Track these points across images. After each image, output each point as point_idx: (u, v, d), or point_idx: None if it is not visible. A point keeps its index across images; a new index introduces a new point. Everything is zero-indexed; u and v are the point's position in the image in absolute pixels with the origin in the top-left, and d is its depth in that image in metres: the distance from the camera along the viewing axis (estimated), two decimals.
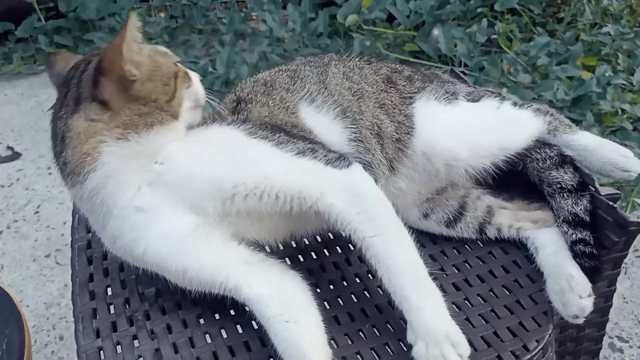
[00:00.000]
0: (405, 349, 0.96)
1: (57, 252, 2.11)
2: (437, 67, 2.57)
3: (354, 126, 1.13)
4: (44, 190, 2.40)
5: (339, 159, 1.01)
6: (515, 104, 1.24)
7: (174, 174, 0.97)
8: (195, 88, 1.06)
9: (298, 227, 1.10)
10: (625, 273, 1.88)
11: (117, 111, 0.95)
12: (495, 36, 2.69)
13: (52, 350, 1.77)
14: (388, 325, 1.02)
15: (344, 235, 0.99)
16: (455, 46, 2.62)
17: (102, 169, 0.94)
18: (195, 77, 1.07)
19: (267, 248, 1.07)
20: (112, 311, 1.07)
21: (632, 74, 2.45)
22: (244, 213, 0.98)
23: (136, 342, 1.01)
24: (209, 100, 1.08)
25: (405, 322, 0.97)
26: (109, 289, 1.11)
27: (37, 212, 2.30)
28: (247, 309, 1.02)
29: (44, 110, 2.87)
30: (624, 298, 1.80)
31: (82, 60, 1.02)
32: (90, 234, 1.22)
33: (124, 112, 0.95)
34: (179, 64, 1.05)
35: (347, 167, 1.01)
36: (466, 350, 0.91)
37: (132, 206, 0.96)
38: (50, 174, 2.47)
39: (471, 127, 1.18)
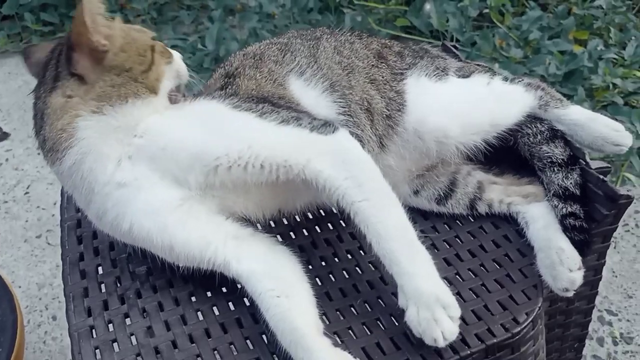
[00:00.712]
0: (397, 324, 0.97)
1: (48, 233, 2.10)
2: (428, 42, 2.55)
3: (342, 100, 1.12)
4: (34, 170, 2.38)
5: (324, 125, 1.00)
6: (506, 79, 1.23)
7: (153, 146, 0.96)
8: (176, 64, 1.05)
9: (286, 201, 1.09)
10: (614, 247, 1.89)
11: (92, 84, 0.95)
12: (487, 10, 2.67)
13: (45, 330, 1.78)
14: (379, 300, 1.02)
15: (331, 200, 0.98)
16: (447, 21, 2.60)
17: (79, 144, 0.94)
18: (176, 54, 1.07)
19: (258, 226, 1.07)
20: (103, 290, 1.07)
21: (624, 48, 2.44)
22: (229, 185, 0.97)
23: (128, 321, 1.01)
24: (191, 78, 1.08)
25: (396, 297, 0.97)
26: (99, 268, 1.11)
27: (27, 193, 2.28)
28: (238, 285, 1.02)
29: (31, 89, 2.82)
30: (613, 272, 1.82)
31: (60, 43, 1.01)
32: (79, 213, 1.21)
33: (98, 84, 0.95)
34: (156, 41, 1.04)
35: (333, 132, 1.00)
36: (457, 311, 0.91)
37: (114, 182, 0.95)
38: (39, 153, 2.42)
39: (462, 103, 1.17)
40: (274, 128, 0.98)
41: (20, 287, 1.90)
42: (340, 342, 0.95)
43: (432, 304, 0.90)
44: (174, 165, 0.96)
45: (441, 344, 0.89)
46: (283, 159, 0.96)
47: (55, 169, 0.97)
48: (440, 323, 0.89)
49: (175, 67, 1.05)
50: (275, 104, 1.04)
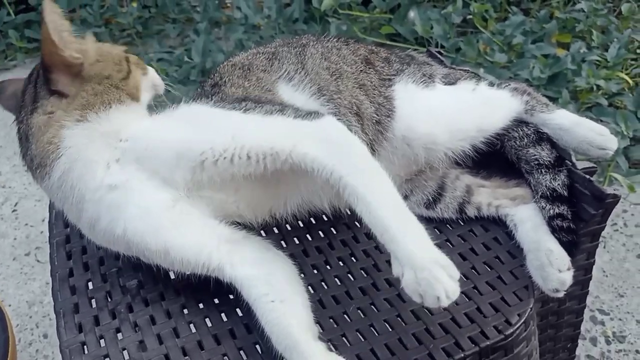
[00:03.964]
0: (391, 330, 0.97)
1: (37, 250, 2.08)
2: (414, 49, 2.57)
3: (331, 104, 1.12)
4: (21, 187, 2.36)
5: (308, 114, 1.00)
6: (492, 85, 1.24)
7: (139, 148, 0.97)
8: (151, 76, 1.09)
9: (277, 201, 1.08)
10: (604, 247, 1.91)
11: (74, 96, 0.96)
12: (470, 16, 2.70)
13: (36, 348, 1.76)
14: (372, 306, 1.02)
15: (321, 180, 0.95)
16: (432, 28, 2.62)
17: (67, 152, 0.94)
18: (150, 69, 1.11)
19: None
20: (94, 305, 1.06)
21: (606, 50, 2.47)
22: (217, 181, 0.97)
23: (119, 335, 1.00)
24: (169, 88, 1.12)
25: (389, 302, 0.97)
26: (89, 283, 1.10)
27: (14, 210, 2.26)
28: (230, 297, 1.02)
29: None
30: (604, 271, 1.83)
31: (34, 69, 1.03)
32: (68, 229, 1.21)
33: (81, 94, 0.97)
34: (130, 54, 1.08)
35: (318, 118, 1.00)
36: (456, 272, 0.87)
37: (105, 185, 0.95)
38: (26, 170, 2.42)
39: (449, 110, 1.18)
40: (258, 119, 0.98)
41: (10, 305, 1.88)
42: (334, 350, 0.94)
43: (429, 265, 0.85)
44: (160, 165, 0.96)
45: (445, 302, 0.84)
46: (269, 146, 0.95)
47: (45, 184, 0.97)
48: (441, 280, 0.84)
49: (150, 78, 1.09)
50: (258, 100, 1.04)
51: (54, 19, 0.94)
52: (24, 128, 0.99)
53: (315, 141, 0.95)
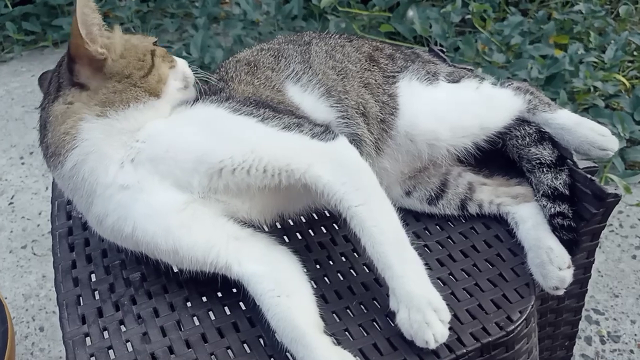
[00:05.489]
0: (393, 325, 0.97)
1: (33, 243, 2.07)
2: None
3: (340, 105, 1.13)
4: (18, 180, 2.35)
5: (324, 132, 1.02)
6: (495, 84, 1.25)
7: (155, 150, 0.97)
8: (180, 69, 1.07)
9: (287, 205, 1.10)
10: (600, 247, 1.92)
11: (95, 90, 0.97)
12: (469, 16, 2.71)
13: (32, 341, 1.75)
14: (375, 301, 1.03)
15: (329, 205, 1.00)
16: (430, 27, 2.63)
17: (82, 144, 0.95)
18: (181, 60, 1.09)
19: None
20: (97, 297, 1.06)
21: (604, 52, 2.49)
22: (234, 188, 0.98)
23: (123, 327, 1.00)
24: (206, 79, 1.10)
25: None
26: (92, 275, 1.10)
27: (11, 203, 2.25)
28: (234, 290, 1.02)
29: (14, 99, 2.80)
30: (599, 272, 1.85)
31: (62, 57, 1.03)
32: (71, 221, 1.21)
33: (101, 90, 0.97)
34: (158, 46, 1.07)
35: (333, 139, 1.02)
36: (447, 315, 0.93)
37: (116, 184, 0.96)
38: (23, 163, 2.41)
39: (452, 108, 1.19)
40: (276, 133, 1.00)
41: (6, 298, 1.86)
42: (337, 344, 0.95)
43: (423, 307, 0.92)
44: (177, 169, 0.97)
45: (432, 346, 0.91)
46: (285, 163, 0.98)
47: (57, 173, 0.98)
48: (432, 325, 0.91)
49: (180, 71, 1.07)
50: (275, 109, 1.05)
51: (85, 12, 0.95)
52: (44, 115, 1.00)
53: (329, 165, 0.99)
